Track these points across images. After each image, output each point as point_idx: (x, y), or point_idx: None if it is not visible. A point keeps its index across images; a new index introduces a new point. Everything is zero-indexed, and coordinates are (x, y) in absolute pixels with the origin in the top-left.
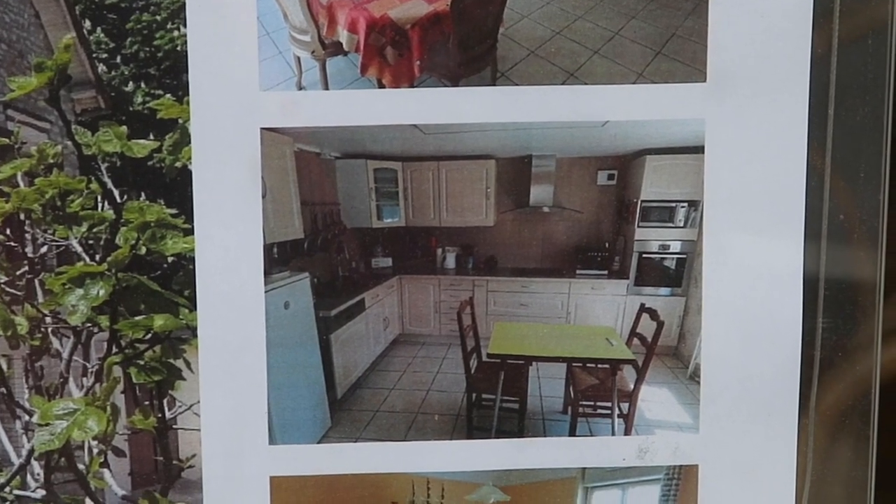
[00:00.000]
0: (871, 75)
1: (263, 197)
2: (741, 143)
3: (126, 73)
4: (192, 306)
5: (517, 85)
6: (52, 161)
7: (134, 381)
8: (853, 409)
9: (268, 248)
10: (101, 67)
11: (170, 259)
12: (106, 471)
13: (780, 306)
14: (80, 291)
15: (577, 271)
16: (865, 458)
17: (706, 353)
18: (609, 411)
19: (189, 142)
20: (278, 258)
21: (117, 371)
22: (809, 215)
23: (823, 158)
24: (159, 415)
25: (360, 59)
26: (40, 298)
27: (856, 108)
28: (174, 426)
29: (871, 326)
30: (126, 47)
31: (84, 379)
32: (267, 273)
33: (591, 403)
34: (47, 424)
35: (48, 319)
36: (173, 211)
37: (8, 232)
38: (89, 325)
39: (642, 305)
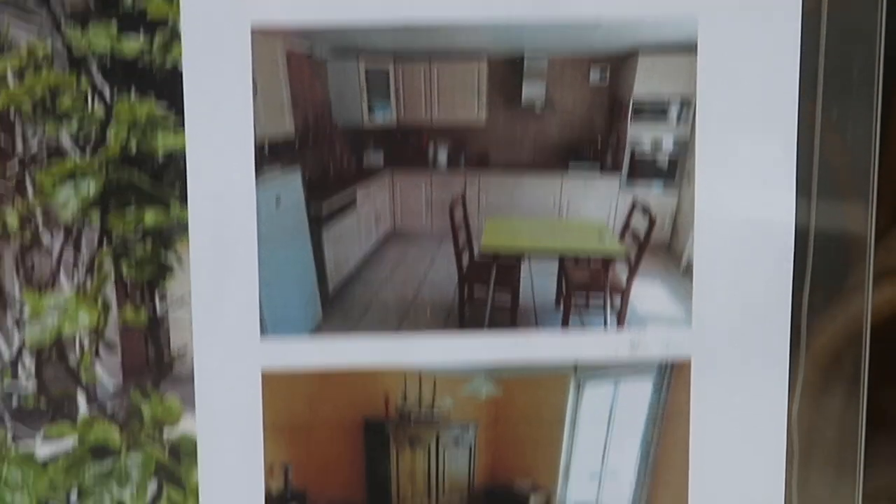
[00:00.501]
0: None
1: (254, 95)
2: (734, 42)
3: None
4: (183, 201)
5: None
6: (41, 58)
7: (125, 274)
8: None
9: (259, 145)
10: None
11: (161, 155)
12: (97, 364)
13: (773, 204)
14: (71, 187)
15: (570, 166)
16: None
17: (699, 249)
18: (601, 306)
19: (179, 40)
20: (269, 155)
21: (108, 265)
22: (801, 117)
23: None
24: (150, 309)
25: None
26: (31, 195)
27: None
28: (165, 319)
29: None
30: None
31: (75, 273)
32: (258, 169)
33: (584, 297)
34: (38, 318)
35: (39, 215)
36: (164, 108)
37: None
38: (80, 219)
39: (634, 201)
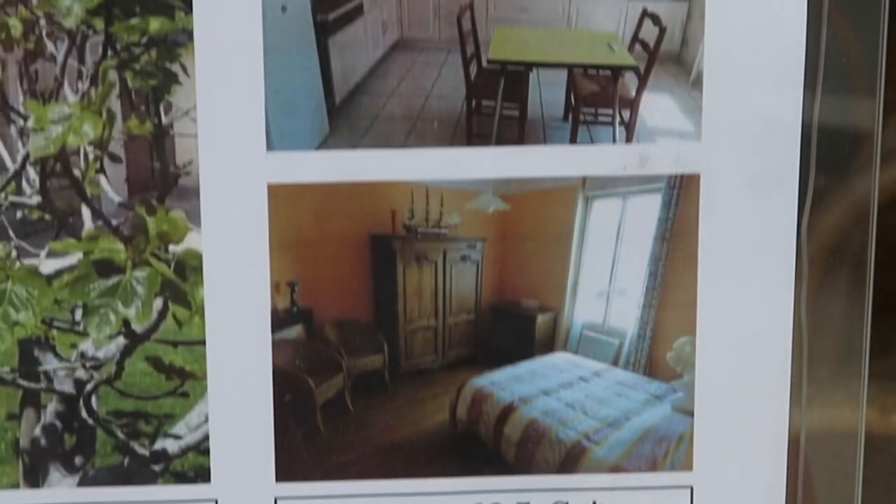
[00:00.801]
0: None
1: None
2: None
3: None
4: (189, 9)
5: None
6: None
7: (130, 85)
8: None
9: None
10: None
11: None
12: (102, 177)
13: (785, 12)
14: None
15: None
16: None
17: (709, 60)
18: (610, 119)
19: None
20: None
21: (113, 75)
22: None
23: None
24: (155, 120)
25: None
26: (34, 1)
27: None
28: (171, 132)
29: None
30: None
31: (79, 83)
32: None
33: (593, 111)
34: (42, 129)
35: (42, 22)
36: None
37: None
38: (84, 27)
39: (644, 10)
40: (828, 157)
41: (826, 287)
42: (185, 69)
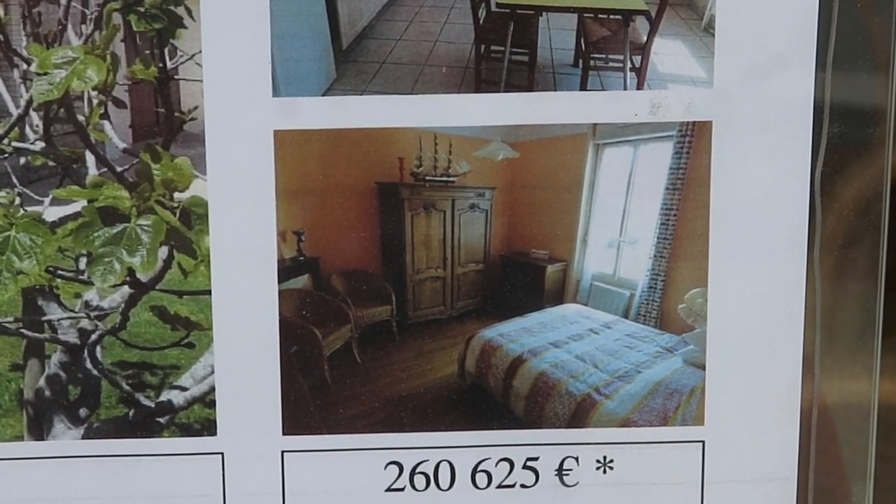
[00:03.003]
0: None
1: None
2: None
3: None
4: None
5: None
6: None
7: (134, 28)
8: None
9: None
10: None
11: None
12: (106, 123)
13: None
14: None
15: None
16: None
17: (721, 4)
18: (621, 64)
19: None
20: None
21: (117, 18)
22: None
23: None
24: (160, 64)
25: None
26: None
27: None
28: (176, 77)
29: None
30: None
31: (83, 27)
32: None
33: (603, 56)
34: (46, 74)
35: None
36: None
37: None
38: None
39: None
40: (842, 106)
41: (841, 240)
42: (189, 13)
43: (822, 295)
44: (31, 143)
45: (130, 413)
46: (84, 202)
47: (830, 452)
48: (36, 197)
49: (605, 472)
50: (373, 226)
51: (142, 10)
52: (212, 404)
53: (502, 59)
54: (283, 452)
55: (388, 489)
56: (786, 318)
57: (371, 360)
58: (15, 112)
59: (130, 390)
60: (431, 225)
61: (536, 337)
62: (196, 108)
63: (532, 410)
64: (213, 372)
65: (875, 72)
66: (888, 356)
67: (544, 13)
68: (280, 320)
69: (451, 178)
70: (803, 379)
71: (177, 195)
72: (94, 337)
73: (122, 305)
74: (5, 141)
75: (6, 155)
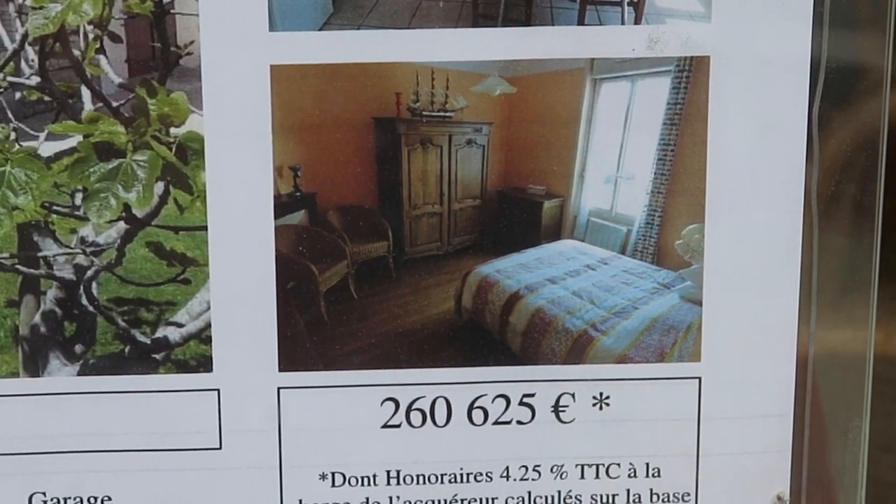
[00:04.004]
0: None
1: None
2: None
3: None
4: None
5: None
6: None
7: None
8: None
9: None
10: None
11: None
12: (102, 57)
13: None
14: None
15: None
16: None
17: None
18: None
19: None
20: None
21: None
22: None
23: None
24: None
25: None
26: None
27: None
28: (172, 11)
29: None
30: None
31: None
32: None
33: None
34: (41, 7)
35: None
36: None
37: None
38: None
39: None
40: (840, 39)
41: (838, 175)
42: None
43: (820, 230)
44: (27, 78)
45: (126, 349)
46: (80, 137)
47: (827, 388)
48: (31, 132)
49: (601, 408)
50: (369, 161)
51: None
52: (208, 341)
53: None
54: (279, 389)
55: (385, 426)
56: (783, 254)
57: (367, 296)
58: (10, 46)
59: (126, 327)
60: (428, 160)
61: (533, 273)
62: (192, 42)
63: (528, 347)
64: (209, 308)
65: (874, 4)
66: (886, 291)
67: None
68: (276, 256)
69: (448, 114)
70: (800, 315)
71: (173, 130)
72: (89, 273)
73: (118, 241)
74: (0, 76)
75: (1, 90)
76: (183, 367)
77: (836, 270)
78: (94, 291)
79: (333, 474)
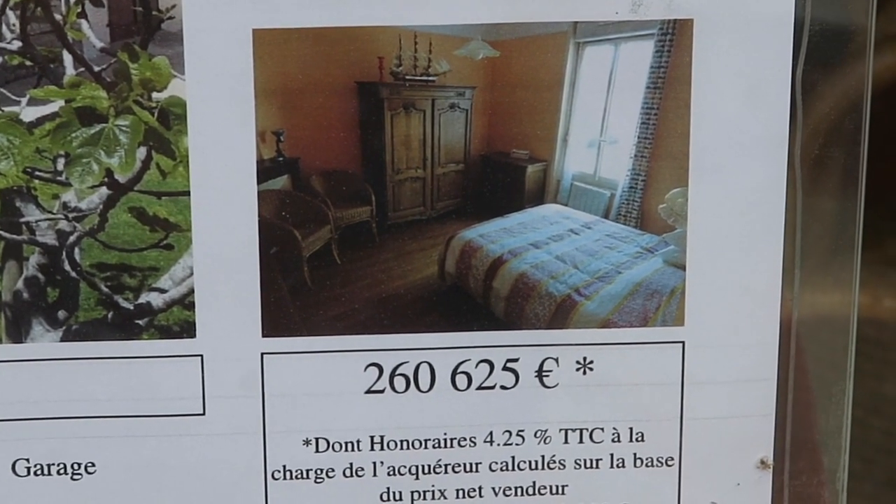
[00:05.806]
0: None
1: None
2: None
3: None
4: None
5: None
6: None
7: None
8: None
9: None
10: None
11: None
12: (83, 21)
13: None
14: None
15: None
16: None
17: None
18: None
19: None
20: None
21: None
22: None
23: None
24: None
25: None
26: None
27: None
28: None
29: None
30: None
31: None
32: None
33: None
34: None
35: None
36: None
37: None
38: None
39: None
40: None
41: (822, 139)
42: None
43: (804, 193)
44: (8, 43)
45: (109, 315)
46: (61, 102)
47: (811, 352)
48: (13, 97)
49: (584, 373)
50: (352, 126)
51: None
52: (191, 306)
53: None
54: (262, 354)
55: (368, 391)
56: (767, 218)
57: (351, 261)
58: None
59: (109, 292)
60: (411, 125)
61: (517, 237)
62: (174, 6)
63: (512, 311)
64: (192, 274)
65: None
66: (871, 254)
67: None
68: (259, 221)
69: (430, 78)
70: (784, 278)
71: (155, 95)
72: (72, 238)
73: (101, 207)
74: None
75: None
76: (166, 332)
77: (821, 234)
78: (77, 257)
79: (317, 440)
